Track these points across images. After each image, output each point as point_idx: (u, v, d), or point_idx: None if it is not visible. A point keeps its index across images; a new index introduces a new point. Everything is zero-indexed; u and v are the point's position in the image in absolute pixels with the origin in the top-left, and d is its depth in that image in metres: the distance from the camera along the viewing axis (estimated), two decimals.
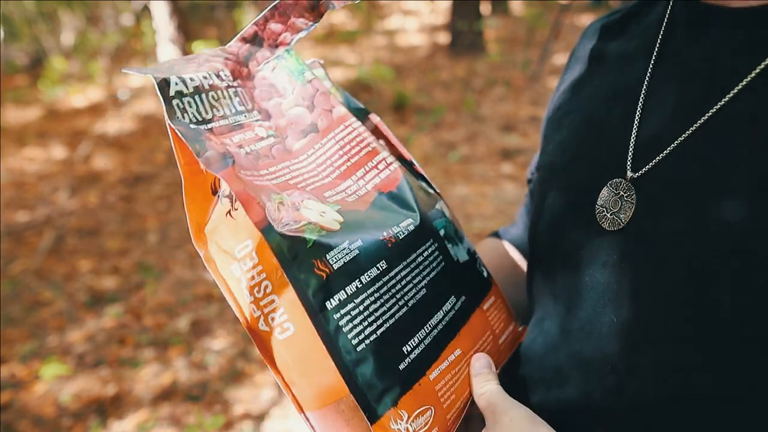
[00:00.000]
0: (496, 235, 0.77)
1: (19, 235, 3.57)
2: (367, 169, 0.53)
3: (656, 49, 0.50)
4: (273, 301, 0.45)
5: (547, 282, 0.56)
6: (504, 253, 0.74)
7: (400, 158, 0.58)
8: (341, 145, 0.53)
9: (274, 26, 0.54)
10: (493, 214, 3.26)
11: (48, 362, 2.39)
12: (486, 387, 0.49)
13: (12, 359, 2.46)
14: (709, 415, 0.42)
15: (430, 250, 0.51)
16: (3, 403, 2.20)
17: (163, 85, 0.46)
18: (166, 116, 0.46)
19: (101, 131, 5.07)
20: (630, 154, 0.47)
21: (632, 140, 0.48)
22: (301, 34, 0.54)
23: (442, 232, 0.54)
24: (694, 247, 0.41)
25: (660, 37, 0.50)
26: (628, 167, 0.47)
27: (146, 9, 6.42)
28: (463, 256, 0.56)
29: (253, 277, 0.46)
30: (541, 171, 0.60)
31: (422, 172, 0.58)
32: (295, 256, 0.44)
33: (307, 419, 0.46)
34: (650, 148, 0.46)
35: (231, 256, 0.47)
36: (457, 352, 0.51)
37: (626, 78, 0.52)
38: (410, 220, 0.50)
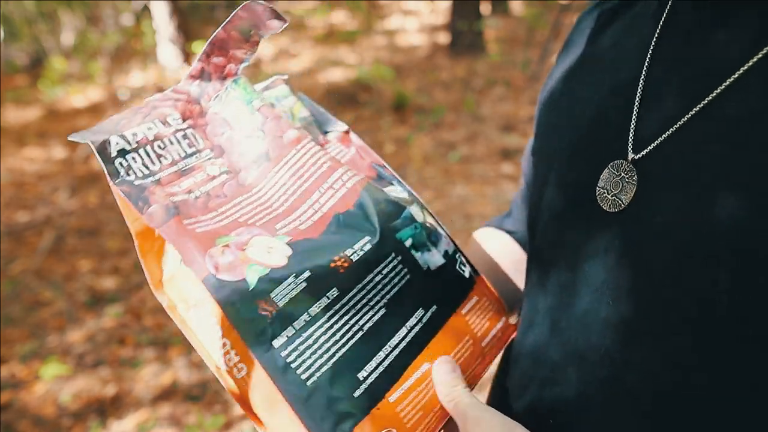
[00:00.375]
0: (491, 225, 0.76)
1: (19, 235, 3.57)
2: (322, 191, 0.52)
3: (655, 39, 0.49)
4: (225, 343, 0.45)
5: (544, 271, 0.54)
6: (500, 245, 0.72)
7: (374, 165, 0.57)
8: (294, 170, 0.52)
9: (217, 60, 0.54)
10: (493, 214, 3.26)
11: (48, 362, 2.39)
12: (452, 394, 0.48)
13: (12, 359, 2.46)
14: (709, 413, 0.41)
15: (391, 266, 0.50)
16: (3, 403, 2.20)
17: (103, 147, 0.47)
18: (108, 178, 0.46)
19: None
20: (631, 137, 0.47)
21: (632, 125, 0.47)
22: (245, 63, 0.55)
23: (408, 242, 0.52)
24: (689, 241, 0.41)
25: (659, 26, 0.49)
26: (630, 149, 0.46)
27: (146, 9, 6.42)
28: (436, 262, 0.54)
29: (207, 321, 0.46)
30: (537, 156, 0.59)
31: (394, 174, 0.57)
32: (237, 301, 0.44)
33: None
34: (651, 131, 0.45)
35: (187, 302, 0.47)
36: (425, 366, 0.49)
37: (623, 66, 0.51)
38: (367, 239, 0.50)
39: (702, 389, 0.41)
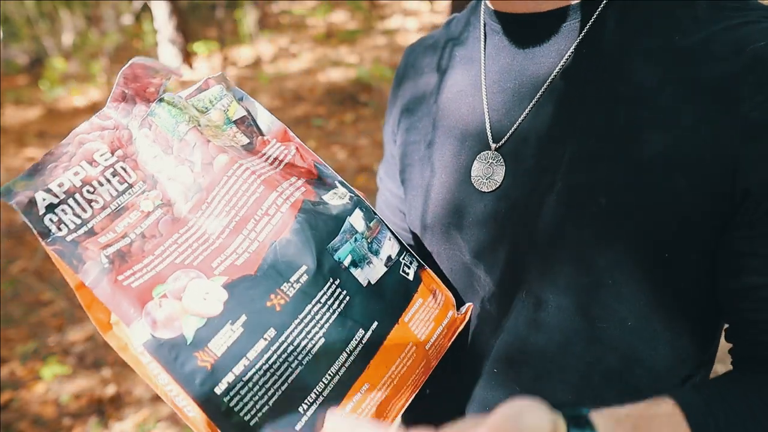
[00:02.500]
0: None
1: (19, 235, 3.57)
2: (257, 218, 0.50)
3: (482, 54, 0.61)
4: (172, 389, 0.47)
5: (449, 257, 0.62)
6: None
7: (316, 164, 0.55)
8: (227, 199, 0.50)
9: (135, 85, 0.52)
10: None
11: (48, 362, 2.39)
12: None
13: (12, 359, 2.46)
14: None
15: (329, 293, 0.49)
16: (3, 403, 2.20)
17: (29, 208, 0.46)
18: (39, 238, 0.46)
19: None
20: (489, 134, 0.59)
21: (487, 122, 0.59)
22: (164, 87, 0.52)
23: (347, 261, 0.51)
24: (546, 199, 0.53)
25: (482, 44, 0.62)
26: (491, 140, 0.58)
27: (146, 9, 6.43)
28: (377, 274, 0.53)
29: (153, 368, 0.47)
30: (406, 169, 0.68)
31: (336, 174, 0.55)
32: (177, 357, 0.44)
33: None
34: (502, 125, 0.58)
35: (133, 348, 0.48)
36: (365, 387, 0.49)
37: (463, 79, 0.63)
38: (304, 268, 0.48)
39: (552, 313, 0.54)
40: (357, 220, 0.53)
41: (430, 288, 0.57)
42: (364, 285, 0.52)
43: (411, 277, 0.56)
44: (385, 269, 0.54)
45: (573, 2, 0.54)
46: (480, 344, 0.60)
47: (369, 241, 0.54)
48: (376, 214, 0.56)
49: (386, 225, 0.56)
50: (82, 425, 2.10)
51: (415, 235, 0.67)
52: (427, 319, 0.55)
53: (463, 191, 0.60)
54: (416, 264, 0.57)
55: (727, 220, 0.48)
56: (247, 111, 0.56)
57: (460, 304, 0.61)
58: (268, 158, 0.54)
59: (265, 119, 0.56)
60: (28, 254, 3.35)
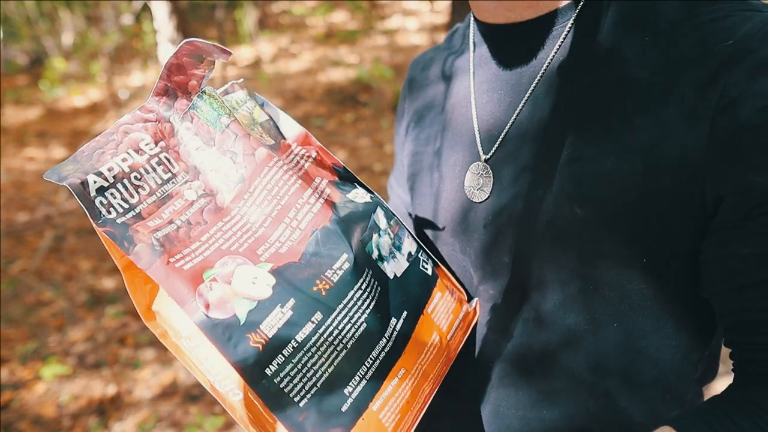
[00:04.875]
0: None
1: (19, 235, 3.57)
2: (299, 207, 0.52)
3: (471, 64, 0.64)
4: (220, 372, 0.48)
5: (458, 265, 0.65)
6: None
7: (335, 167, 0.58)
8: (269, 189, 0.52)
9: (178, 78, 0.53)
10: None
11: (48, 362, 2.39)
12: None
13: (12, 359, 2.46)
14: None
15: (366, 282, 0.51)
16: (3, 403, 2.20)
17: (81, 189, 0.47)
18: (90, 219, 0.47)
19: (101, 131, 5.07)
20: (479, 143, 0.61)
21: (476, 132, 0.62)
22: (207, 77, 0.54)
23: (375, 254, 0.54)
24: (533, 206, 0.55)
25: (471, 55, 0.64)
26: (481, 152, 0.61)
27: (146, 9, 6.43)
28: (401, 268, 0.56)
29: (201, 352, 0.48)
30: (414, 177, 0.71)
31: (355, 176, 0.58)
32: (230, 337, 0.46)
33: None
34: (491, 135, 0.60)
35: (178, 333, 0.49)
36: (401, 372, 0.52)
37: (458, 90, 0.66)
38: (345, 257, 0.50)
39: (555, 318, 0.56)
40: (380, 217, 0.56)
41: (445, 283, 0.60)
42: (391, 277, 0.55)
43: (429, 272, 0.59)
44: (407, 264, 0.57)
45: (550, 10, 0.55)
46: (489, 345, 0.62)
47: (391, 237, 0.57)
48: (394, 214, 0.58)
49: (403, 224, 0.59)
50: (82, 425, 2.10)
51: (422, 240, 0.69)
52: (447, 312, 0.59)
53: (459, 200, 0.63)
54: (432, 261, 0.61)
55: (703, 228, 0.49)
56: (270, 116, 0.58)
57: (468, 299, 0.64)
58: (293, 159, 0.57)
59: (287, 124, 0.58)
60: (28, 254, 3.35)
